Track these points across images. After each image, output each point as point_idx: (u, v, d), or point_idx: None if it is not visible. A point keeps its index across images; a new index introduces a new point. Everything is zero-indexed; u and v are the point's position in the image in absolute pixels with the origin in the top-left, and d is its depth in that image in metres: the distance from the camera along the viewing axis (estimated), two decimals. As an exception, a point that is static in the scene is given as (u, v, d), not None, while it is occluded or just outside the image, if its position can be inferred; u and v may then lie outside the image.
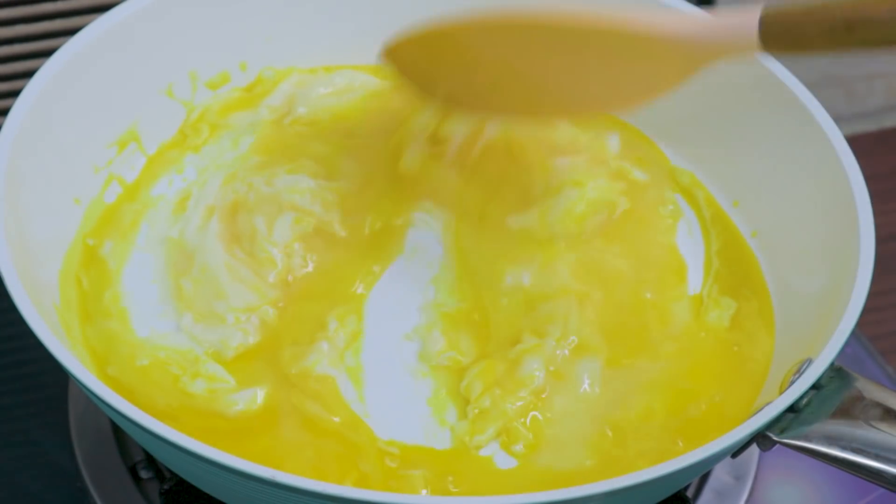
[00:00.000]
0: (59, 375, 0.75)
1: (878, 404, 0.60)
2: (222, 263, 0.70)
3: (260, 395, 0.66)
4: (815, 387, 0.61)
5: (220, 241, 0.72)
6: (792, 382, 0.61)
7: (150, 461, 0.71)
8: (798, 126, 0.74)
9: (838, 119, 0.73)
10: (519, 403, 0.66)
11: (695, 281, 0.74)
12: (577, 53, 0.68)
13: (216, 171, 0.77)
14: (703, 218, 0.78)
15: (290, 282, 0.71)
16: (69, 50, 0.72)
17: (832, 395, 0.61)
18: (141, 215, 0.76)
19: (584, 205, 0.74)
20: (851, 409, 0.60)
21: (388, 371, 0.69)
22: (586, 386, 0.68)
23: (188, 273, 0.71)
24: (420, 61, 0.72)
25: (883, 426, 0.59)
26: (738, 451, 0.62)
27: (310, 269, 0.72)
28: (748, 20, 0.62)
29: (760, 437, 0.60)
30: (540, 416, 0.67)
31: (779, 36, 0.62)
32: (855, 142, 0.74)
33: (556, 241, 0.73)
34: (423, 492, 0.63)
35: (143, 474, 0.71)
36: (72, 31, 0.74)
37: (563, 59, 0.68)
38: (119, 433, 0.72)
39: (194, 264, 0.71)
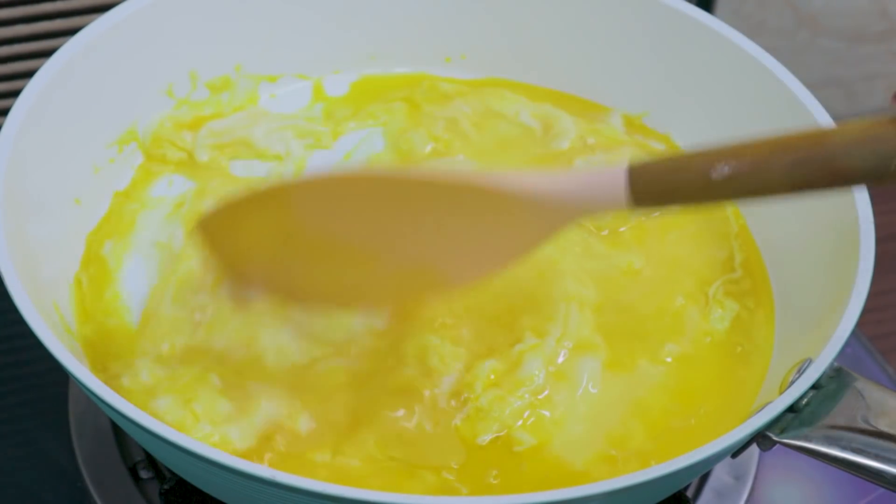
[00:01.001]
0: (59, 375, 0.75)
1: (878, 404, 0.60)
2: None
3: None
4: (815, 387, 0.61)
5: None
6: (792, 382, 0.61)
7: (151, 461, 0.71)
8: (798, 126, 0.74)
9: (838, 119, 0.73)
10: (518, 403, 0.66)
11: (704, 283, 0.74)
12: (420, 221, 0.60)
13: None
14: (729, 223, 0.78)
15: None
16: (69, 50, 0.72)
17: (832, 395, 0.61)
18: (140, 216, 0.76)
19: None
20: (851, 409, 0.60)
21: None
22: (586, 386, 0.68)
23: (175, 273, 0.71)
24: (238, 237, 0.63)
25: (883, 426, 0.59)
26: (738, 451, 0.62)
27: None
28: (614, 176, 0.58)
29: (760, 437, 0.60)
30: (540, 415, 0.67)
31: (648, 191, 0.57)
32: (855, 142, 0.74)
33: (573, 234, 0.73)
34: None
35: (143, 474, 0.71)
36: (72, 31, 0.74)
37: (405, 227, 0.61)
38: (119, 433, 0.72)
39: (180, 268, 0.71)
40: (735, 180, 0.55)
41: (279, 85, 0.84)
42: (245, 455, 0.63)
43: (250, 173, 0.78)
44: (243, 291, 0.66)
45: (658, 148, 0.82)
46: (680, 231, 0.76)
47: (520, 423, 0.66)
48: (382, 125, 0.82)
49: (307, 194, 0.61)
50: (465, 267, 0.62)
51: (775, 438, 0.60)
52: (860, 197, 0.69)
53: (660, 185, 0.57)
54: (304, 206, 0.61)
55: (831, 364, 0.61)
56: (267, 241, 0.62)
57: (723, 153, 0.56)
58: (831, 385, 0.61)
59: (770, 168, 0.55)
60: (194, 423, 0.63)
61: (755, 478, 0.74)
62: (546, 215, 0.59)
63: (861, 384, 0.61)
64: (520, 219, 0.60)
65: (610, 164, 0.59)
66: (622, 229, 0.76)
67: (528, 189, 0.59)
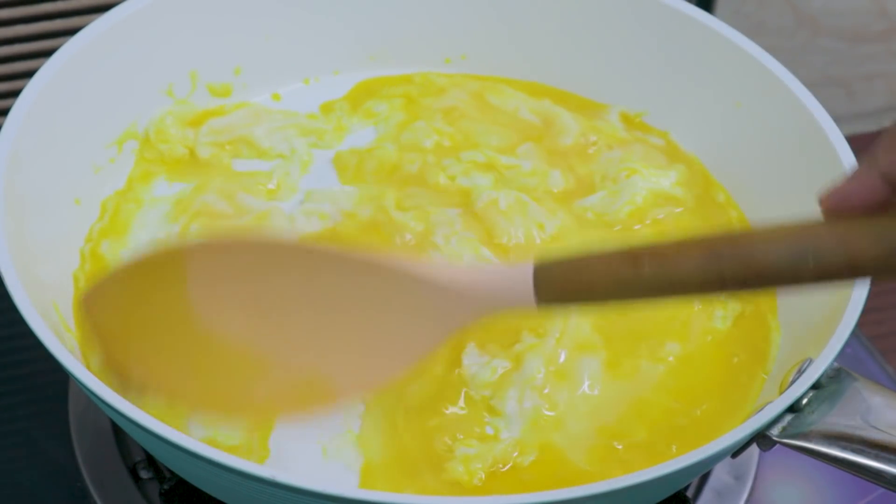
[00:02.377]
0: (59, 375, 0.75)
1: (878, 404, 0.60)
2: None
3: None
4: (816, 387, 0.61)
5: None
6: (792, 382, 0.61)
7: (151, 461, 0.71)
8: (798, 126, 0.74)
9: (838, 119, 0.74)
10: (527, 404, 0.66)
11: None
12: (328, 305, 0.56)
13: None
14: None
15: None
16: (69, 50, 0.72)
17: (832, 395, 0.61)
18: (139, 215, 0.76)
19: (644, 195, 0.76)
20: (851, 409, 0.60)
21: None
22: (586, 386, 0.68)
23: None
24: (125, 314, 0.57)
25: (883, 426, 0.59)
26: (738, 451, 0.62)
27: None
28: (524, 272, 0.55)
29: (760, 437, 0.60)
30: (541, 413, 0.67)
31: (555, 290, 0.55)
32: (855, 142, 0.74)
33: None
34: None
35: (144, 474, 0.71)
36: (72, 31, 0.74)
37: (310, 311, 0.56)
38: (119, 433, 0.72)
39: None
40: (645, 278, 0.52)
41: (280, 85, 0.84)
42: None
43: (252, 170, 0.79)
44: (126, 381, 0.57)
45: (658, 143, 0.82)
46: (685, 232, 0.76)
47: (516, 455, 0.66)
48: (384, 121, 0.82)
49: (206, 261, 0.56)
50: (372, 365, 0.58)
51: (775, 438, 0.59)
52: (860, 197, 0.69)
53: (568, 285, 0.55)
54: (202, 276, 0.55)
55: (831, 364, 0.61)
56: (157, 321, 0.56)
57: (634, 252, 0.53)
58: (831, 385, 0.61)
59: (681, 263, 0.51)
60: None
61: (755, 478, 0.74)
62: (454, 309, 0.57)
63: (861, 384, 0.61)
64: (428, 311, 0.57)
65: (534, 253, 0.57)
66: (637, 227, 0.76)
67: (440, 280, 0.56)
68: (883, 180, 0.49)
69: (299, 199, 0.76)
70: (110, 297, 0.57)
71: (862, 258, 0.49)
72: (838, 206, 0.50)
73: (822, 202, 0.51)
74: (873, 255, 0.49)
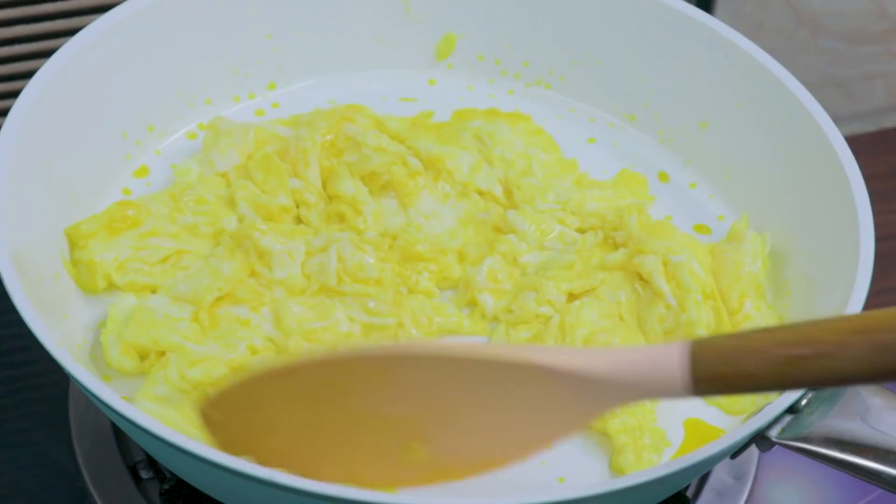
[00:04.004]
0: (59, 375, 0.75)
1: (877, 405, 0.60)
2: None
3: None
4: (815, 387, 0.61)
5: None
6: (792, 383, 0.61)
7: (151, 461, 0.71)
8: (798, 126, 0.74)
9: (838, 119, 0.74)
10: None
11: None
12: (453, 400, 0.54)
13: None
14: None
15: None
16: (69, 50, 0.72)
17: (832, 396, 0.61)
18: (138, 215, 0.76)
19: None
20: (850, 410, 0.60)
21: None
22: None
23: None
24: (246, 424, 0.58)
25: (882, 427, 0.59)
26: (737, 451, 0.62)
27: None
28: (671, 356, 0.51)
29: (760, 438, 0.60)
30: None
31: (713, 373, 0.51)
32: (855, 142, 0.74)
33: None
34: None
35: (144, 474, 0.71)
36: (72, 32, 0.74)
37: (436, 406, 0.55)
38: (119, 433, 0.72)
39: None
40: (810, 363, 0.49)
41: (280, 85, 0.84)
42: None
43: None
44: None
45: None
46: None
47: None
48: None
49: (325, 372, 0.56)
50: (499, 448, 0.57)
51: (774, 439, 0.59)
52: (860, 197, 0.69)
53: (726, 368, 0.51)
54: (321, 383, 0.56)
55: (831, 364, 0.61)
56: (281, 421, 0.57)
57: (797, 331, 0.50)
58: (831, 386, 0.61)
59: (849, 353, 0.49)
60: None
61: (755, 478, 0.74)
62: (590, 397, 0.53)
63: (860, 385, 0.61)
64: (560, 398, 0.53)
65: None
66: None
67: (569, 368, 0.52)
68: None
69: None
70: (228, 406, 0.58)
71: None
72: None
73: None
74: None
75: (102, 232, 0.70)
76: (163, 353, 0.66)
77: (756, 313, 0.70)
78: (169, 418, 0.63)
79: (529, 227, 0.73)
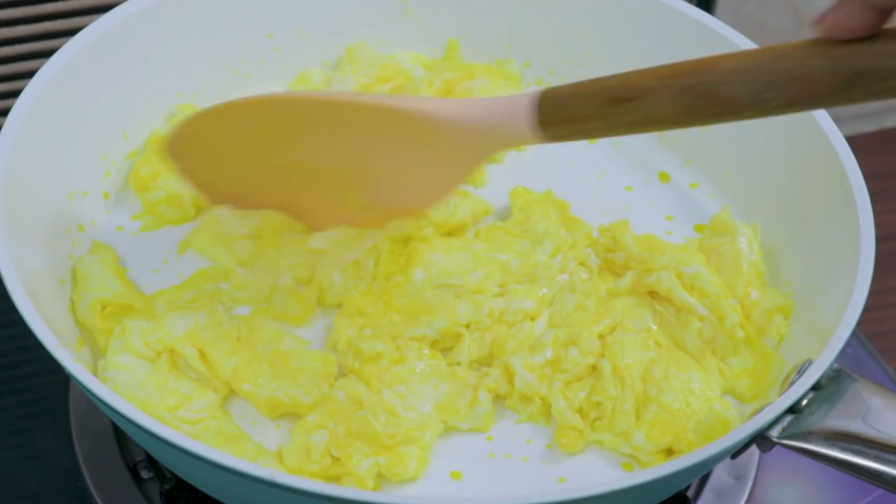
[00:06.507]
0: (59, 375, 0.75)
1: (878, 406, 0.60)
2: None
3: None
4: (815, 388, 0.61)
5: None
6: (792, 383, 0.61)
7: (151, 461, 0.71)
8: (798, 126, 0.74)
9: (838, 119, 0.73)
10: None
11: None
12: (357, 143, 0.65)
13: None
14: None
15: None
16: (69, 50, 0.72)
17: (832, 396, 0.61)
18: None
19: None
20: (851, 410, 0.60)
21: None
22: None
23: None
24: (202, 151, 0.69)
25: (882, 427, 0.59)
26: (738, 451, 0.62)
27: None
28: (523, 102, 0.60)
29: (760, 438, 0.60)
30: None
31: (554, 116, 0.60)
32: (855, 142, 0.74)
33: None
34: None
35: (144, 474, 0.71)
36: (72, 32, 0.74)
37: (344, 150, 0.66)
38: (120, 433, 0.72)
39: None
40: (630, 105, 0.57)
41: (281, 85, 0.84)
42: None
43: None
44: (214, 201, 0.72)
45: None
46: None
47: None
48: None
49: (264, 113, 0.66)
50: (415, 195, 0.67)
51: (775, 439, 0.59)
52: (860, 197, 0.69)
53: (563, 112, 0.59)
54: (263, 124, 0.66)
55: (831, 365, 0.61)
56: (234, 156, 0.68)
57: (620, 78, 0.58)
58: (831, 386, 0.61)
59: (659, 95, 0.57)
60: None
61: (755, 478, 0.74)
62: (462, 147, 0.63)
63: (861, 385, 0.61)
64: (446, 148, 0.63)
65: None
66: None
67: (441, 115, 0.62)
68: (865, 6, 0.51)
69: None
70: (189, 138, 0.67)
71: (818, 88, 0.53)
72: (828, 33, 0.52)
73: (814, 26, 0.53)
74: (828, 84, 0.52)
75: (163, 169, 0.73)
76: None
77: (763, 299, 0.71)
78: (141, 384, 0.64)
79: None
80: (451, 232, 0.73)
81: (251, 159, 0.68)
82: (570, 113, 0.59)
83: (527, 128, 0.60)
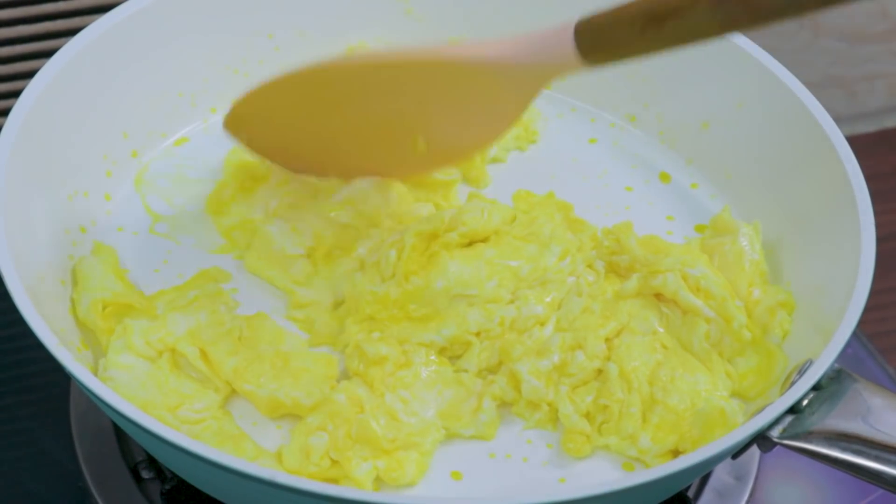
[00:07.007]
0: (60, 375, 0.75)
1: (879, 406, 0.60)
2: None
3: None
4: (816, 388, 0.61)
5: None
6: (793, 383, 0.61)
7: (152, 461, 0.71)
8: (799, 126, 0.74)
9: (838, 119, 0.73)
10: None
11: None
12: (414, 95, 0.67)
13: None
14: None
15: None
16: (70, 50, 0.72)
17: (833, 396, 0.61)
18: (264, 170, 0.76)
19: None
20: (852, 410, 0.60)
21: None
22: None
23: None
24: (263, 124, 0.71)
25: (883, 427, 0.59)
26: (738, 452, 0.62)
27: None
28: (565, 34, 0.62)
29: (761, 439, 0.60)
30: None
31: (596, 43, 0.61)
32: (855, 142, 0.74)
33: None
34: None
35: (145, 474, 0.71)
36: (73, 32, 0.74)
37: (402, 103, 0.68)
38: (120, 433, 0.72)
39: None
40: (667, 23, 0.58)
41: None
42: None
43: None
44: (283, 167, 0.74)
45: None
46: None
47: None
48: None
49: (325, 78, 0.69)
50: (472, 137, 0.70)
51: (776, 440, 0.59)
52: (861, 197, 0.69)
53: (604, 36, 0.61)
54: (328, 88, 0.69)
55: (832, 365, 0.61)
56: (289, 122, 0.71)
57: (656, 11, 0.59)
58: (832, 387, 0.61)
59: (697, 7, 0.57)
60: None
61: (756, 478, 0.74)
62: (511, 86, 0.65)
63: (861, 386, 0.61)
64: (497, 90, 0.66)
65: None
66: None
67: (490, 57, 0.64)
68: None
69: None
70: (250, 112, 0.70)
71: None
72: None
73: None
74: None
75: (239, 194, 0.75)
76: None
77: (766, 296, 0.71)
78: (141, 384, 0.64)
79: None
80: (485, 239, 0.72)
81: (314, 124, 0.71)
82: (611, 38, 0.61)
83: (572, 58, 0.62)
